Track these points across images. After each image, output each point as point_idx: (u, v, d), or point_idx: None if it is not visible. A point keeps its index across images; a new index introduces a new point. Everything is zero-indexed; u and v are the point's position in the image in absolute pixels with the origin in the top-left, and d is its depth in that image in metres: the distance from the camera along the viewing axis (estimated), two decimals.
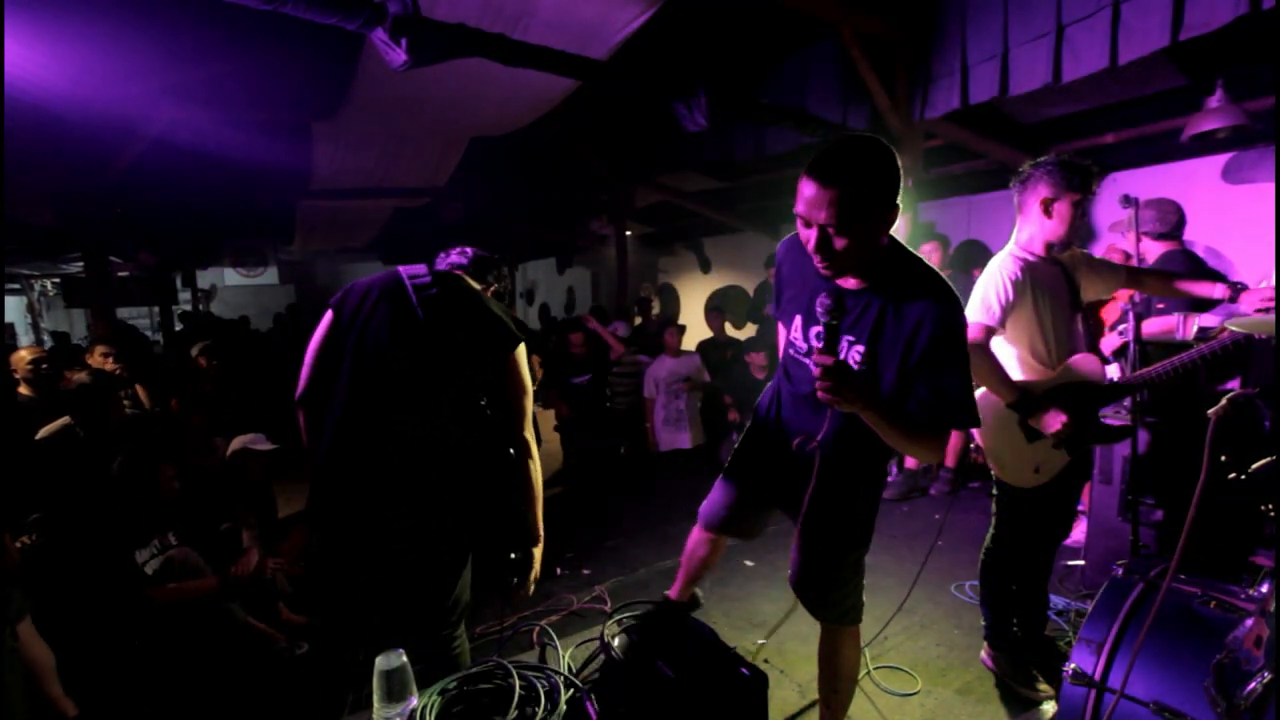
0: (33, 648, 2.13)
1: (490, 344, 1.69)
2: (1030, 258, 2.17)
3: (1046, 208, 2.12)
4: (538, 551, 1.79)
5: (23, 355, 3.70)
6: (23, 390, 3.63)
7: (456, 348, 1.66)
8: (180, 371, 4.84)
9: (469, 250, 1.91)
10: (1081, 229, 2.24)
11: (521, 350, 1.72)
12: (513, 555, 1.72)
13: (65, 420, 3.06)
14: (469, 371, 1.67)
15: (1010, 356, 2.21)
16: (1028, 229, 2.20)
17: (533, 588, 1.76)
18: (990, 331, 2.14)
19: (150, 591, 2.51)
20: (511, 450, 1.71)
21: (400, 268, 1.75)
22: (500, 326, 1.70)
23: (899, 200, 1.38)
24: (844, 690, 1.98)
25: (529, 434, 1.75)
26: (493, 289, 1.91)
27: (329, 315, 1.73)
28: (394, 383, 1.63)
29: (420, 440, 1.62)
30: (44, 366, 3.68)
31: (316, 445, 1.68)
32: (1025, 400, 2.09)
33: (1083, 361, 2.15)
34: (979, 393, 2.23)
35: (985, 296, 2.14)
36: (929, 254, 4.47)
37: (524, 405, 1.74)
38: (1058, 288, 2.18)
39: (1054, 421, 2.06)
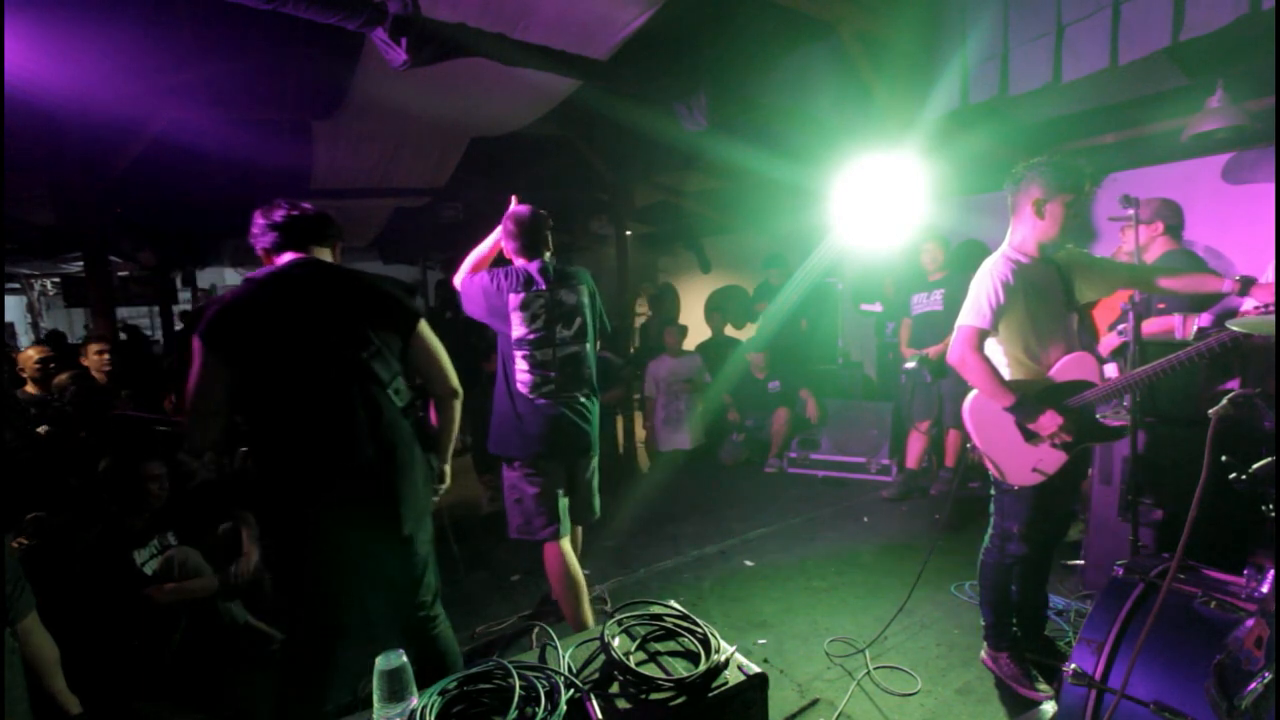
0: (38, 643, 2.13)
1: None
2: (1023, 259, 2.17)
3: (1038, 208, 2.12)
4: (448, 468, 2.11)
5: (30, 355, 3.77)
6: (29, 389, 3.68)
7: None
8: (180, 371, 4.84)
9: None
10: (1077, 229, 2.24)
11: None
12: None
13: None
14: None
15: (1003, 356, 2.22)
16: (1021, 230, 2.21)
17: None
18: (982, 334, 2.15)
19: (150, 591, 2.51)
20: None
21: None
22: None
23: None
24: None
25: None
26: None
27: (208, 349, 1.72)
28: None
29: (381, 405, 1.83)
30: (51, 365, 3.75)
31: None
32: (1022, 405, 2.09)
33: (1077, 361, 2.15)
34: (976, 393, 2.24)
35: (977, 299, 2.16)
36: (929, 253, 4.49)
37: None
38: (1051, 288, 2.18)
39: (1049, 424, 2.06)
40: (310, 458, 1.75)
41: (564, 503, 2.63)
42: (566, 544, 2.60)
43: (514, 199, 2.68)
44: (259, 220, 1.86)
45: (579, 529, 2.91)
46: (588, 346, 2.64)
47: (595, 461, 2.78)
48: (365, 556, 1.82)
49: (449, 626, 1.99)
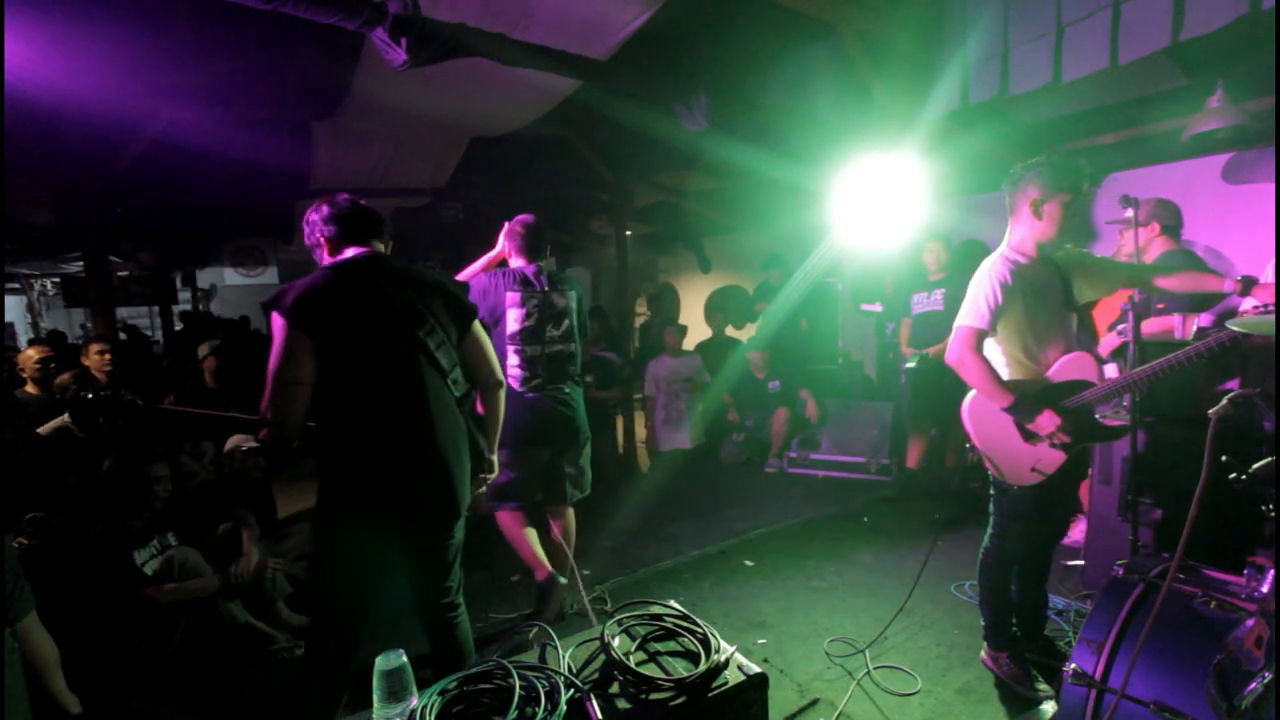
0: (38, 643, 2.13)
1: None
2: (1021, 259, 2.17)
3: (1036, 209, 2.12)
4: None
5: (30, 354, 3.76)
6: (30, 389, 3.68)
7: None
8: (181, 371, 4.85)
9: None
10: (1076, 229, 2.24)
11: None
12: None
13: (63, 420, 3.06)
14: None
15: (1002, 356, 2.22)
16: (1019, 230, 2.21)
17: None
18: (981, 334, 2.15)
19: (150, 591, 2.51)
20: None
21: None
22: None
23: None
24: None
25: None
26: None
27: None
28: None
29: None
30: (52, 365, 3.74)
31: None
32: (1020, 405, 2.09)
33: (1076, 361, 2.15)
34: (974, 394, 2.24)
35: (975, 300, 2.16)
36: (932, 252, 4.49)
37: None
38: (1050, 288, 2.18)
39: (1047, 423, 2.07)
40: (379, 440, 1.80)
41: (536, 486, 2.95)
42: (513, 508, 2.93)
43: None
44: (322, 210, 1.91)
45: (570, 512, 3.11)
46: (573, 346, 2.91)
47: (587, 444, 3.04)
48: (410, 539, 1.88)
49: (468, 619, 2.04)
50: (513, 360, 2.77)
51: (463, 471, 1.92)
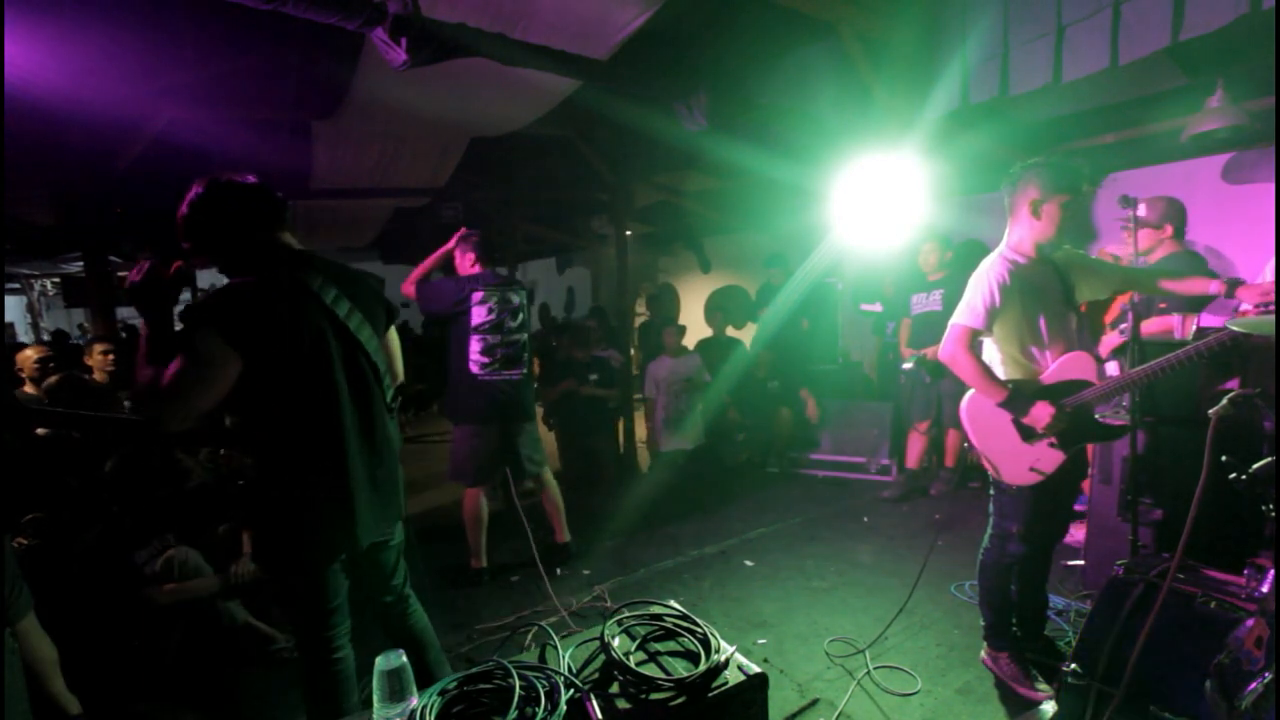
0: (36, 644, 2.13)
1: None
2: (1020, 259, 2.18)
3: (1035, 209, 2.12)
4: None
5: (29, 354, 3.76)
6: (28, 389, 3.67)
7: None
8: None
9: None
10: (1076, 229, 2.25)
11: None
12: None
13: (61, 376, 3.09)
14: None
15: (1001, 356, 2.22)
16: (1018, 230, 2.21)
17: None
18: (974, 333, 2.16)
19: (150, 592, 2.51)
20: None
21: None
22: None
23: None
24: None
25: None
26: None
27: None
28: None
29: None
30: (50, 365, 3.74)
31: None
32: (1015, 399, 2.09)
33: (1074, 361, 2.15)
34: (973, 393, 2.24)
35: (971, 300, 2.17)
36: (926, 254, 4.49)
37: None
38: (1049, 288, 2.18)
39: (1042, 414, 2.07)
40: (323, 445, 1.75)
41: (497, 461, 3.40)
42: (482, 493, 3.41)
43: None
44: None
45: (554, 483, 3.70)
46: (525, 337, 3.42)
47: (532, 423, 3.52)
48: (365, 541, 1.85)
49: (421, 609, 2.10)
50: (475, 348, 3.26)
51: (399, 474, 1.94)
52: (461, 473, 3.36)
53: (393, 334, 2.08)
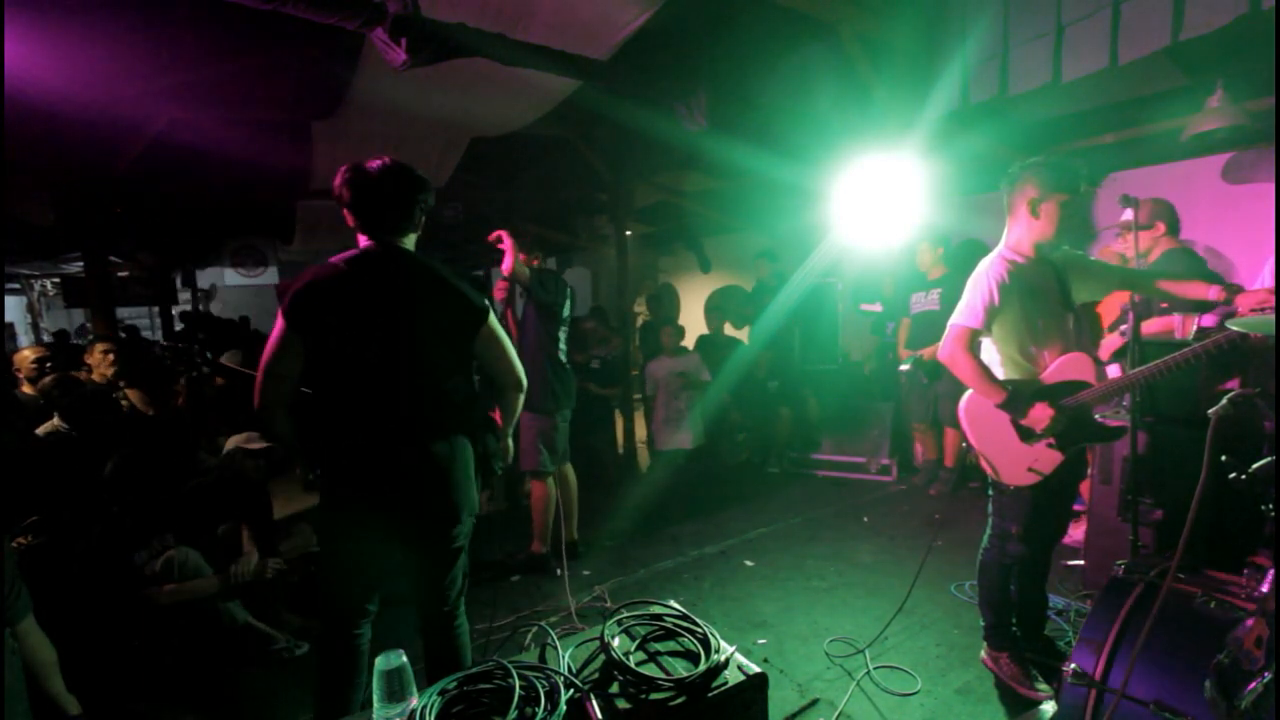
0: (35, 645, 2.13)
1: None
2: (1019, 259, 2.17)
3: (1034, 208, 2.12)
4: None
5: (26, 355, 3.76)
6: (25, 389, 3.67)
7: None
8: (197, 375, 4.89)
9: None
10: (1075, 229, 2.25)
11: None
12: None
13: (56, 423, 3.07)
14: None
15: (998, 355, 2.22)
16: (1016, 230, 2.21)
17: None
18: (973, 333, 2.15)
19: (150, 592, 2.51)
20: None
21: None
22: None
23: None
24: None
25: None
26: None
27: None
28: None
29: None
30: (48, 365, 3.73)
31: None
32: (1014, 400, 2.09)
33: (1073, 361, 2.15)
34: (971, 393, 2.24)
35: (970, 299, 2.16)
36: (922, 254, 4.49)
37: None
38: (1048, 288, 2.18)
39: (1040, 415, 2.07)
40: (368, 444, 1.79)
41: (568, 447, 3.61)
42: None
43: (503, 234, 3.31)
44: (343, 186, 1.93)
45: (574, 477, 3.76)
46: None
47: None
48: (407, 543, 1.88)
49: (467, 629, 2.04)
50: (562, 338, 3.49)
51: (461, 475, 1.89)
52: (540, 462, 3.41)
53: (494, 332, 1.96)
